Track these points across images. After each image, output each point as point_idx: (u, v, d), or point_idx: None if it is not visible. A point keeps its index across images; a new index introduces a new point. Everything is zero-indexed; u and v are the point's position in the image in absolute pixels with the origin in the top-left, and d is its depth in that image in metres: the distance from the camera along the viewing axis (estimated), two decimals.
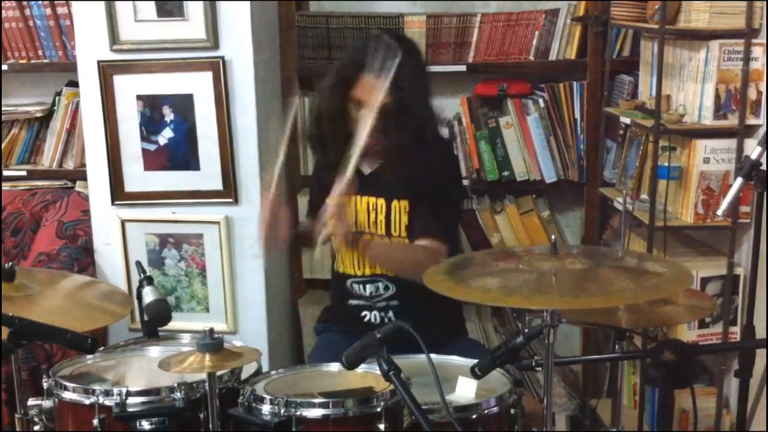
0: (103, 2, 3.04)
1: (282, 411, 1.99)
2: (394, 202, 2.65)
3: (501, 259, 2.21)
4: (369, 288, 2.68)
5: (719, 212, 2.29)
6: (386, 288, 2.67)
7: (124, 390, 2.07)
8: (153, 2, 3.04)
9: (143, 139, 3.14)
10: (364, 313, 2.68)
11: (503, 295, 1.99)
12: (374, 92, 2.53)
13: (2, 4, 3.54)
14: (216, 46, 3.05)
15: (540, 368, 2.05)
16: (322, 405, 2.01)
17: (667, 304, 2.34)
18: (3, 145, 3.67)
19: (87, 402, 2.08)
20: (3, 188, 3.60)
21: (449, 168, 2.80)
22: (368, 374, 2.12)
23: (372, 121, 2.49)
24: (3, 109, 3.69)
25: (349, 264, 2.69)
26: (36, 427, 2.15)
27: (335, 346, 2.20)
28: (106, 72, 3.09)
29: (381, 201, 2.66)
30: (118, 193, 3.18)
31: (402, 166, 2.61)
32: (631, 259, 2.34)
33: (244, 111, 3.10)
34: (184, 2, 3.03)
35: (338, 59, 3.47)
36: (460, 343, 2.66)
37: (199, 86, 3.08)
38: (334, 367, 2.25)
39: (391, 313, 2.65)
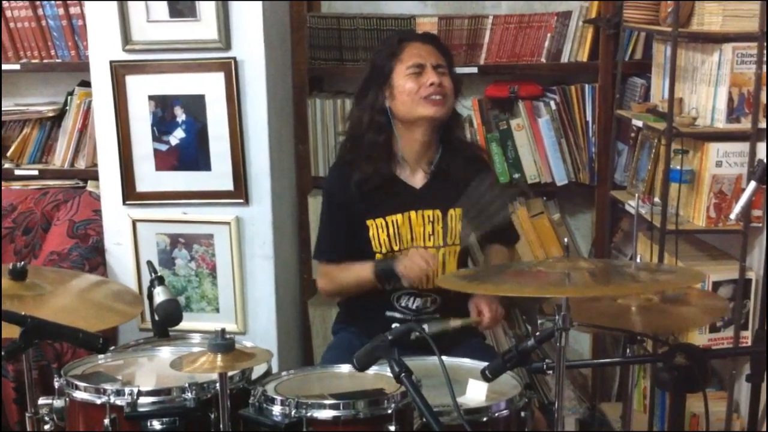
0: (115, 2, 3.04)
1: (293, 412, 1.99)
2: (450, 211, 2.66)
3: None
4: (418, 302, 2.66)
5: (732, 216, 2.29)
6: (434, 302, 2.67)
7: (135, 390, 2.07)
8: (165, 3, 3.04)
9: (155, 139, 3.15)
10: (395, 325, 2.61)
11: (516, 287, 2.05)
12: (431, 54, 2.65)
13: (16, 3, 3.55)
14: (228, 46, 3.05)
15: (551, 371, 2.04)
16: (332, 406, 2.01)
17: (680, 305, 2.33)
18: (15, 145, 3.68)
19: (98, 401, 2.08)
20: (15, 187, 3.62)
21: (488, 167, 2.90)
22: (379, 376, 2.12)
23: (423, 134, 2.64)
24: (15, 108, 3.71)
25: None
26: (46, 426, 2.15)
27: (351, 346, 2.19)
28: (118, 72, 3.10)
29: (437, 213, 2.66)
30: (129, 193, 3.19)
31: (456, 174, 2.66)
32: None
33: (256, 111, 3.10)
34: (196, 3, 3.03)
35: (349, 60, 3.49)
36: (475, 344, 2.65)
37: (210, 87, 3.08)
38: (345, 368, 2.25)
39: (425, 326, 2.64)
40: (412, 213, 2.65)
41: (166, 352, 2.38)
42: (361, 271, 2.64)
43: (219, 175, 3.14)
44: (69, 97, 3.66)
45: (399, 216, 2.65)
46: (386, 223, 2.65)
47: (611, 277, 2.16)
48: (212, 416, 2.09)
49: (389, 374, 1.91)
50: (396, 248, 2.65)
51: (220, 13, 3.02)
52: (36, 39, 3.60)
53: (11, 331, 1.94)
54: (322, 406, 2.01)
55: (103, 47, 3.12)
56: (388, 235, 2.65)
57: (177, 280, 3.23)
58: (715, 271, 2.93)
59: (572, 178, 3.48)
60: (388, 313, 2.67)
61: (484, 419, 2.10)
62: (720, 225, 2.91)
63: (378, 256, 2.66)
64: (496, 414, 2.11)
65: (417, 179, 2.70)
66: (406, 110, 2.63)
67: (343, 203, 2.70)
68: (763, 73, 2.79)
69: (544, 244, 3.50)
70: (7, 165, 3.67)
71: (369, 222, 2.65)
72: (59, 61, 3.62)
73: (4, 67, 3.58)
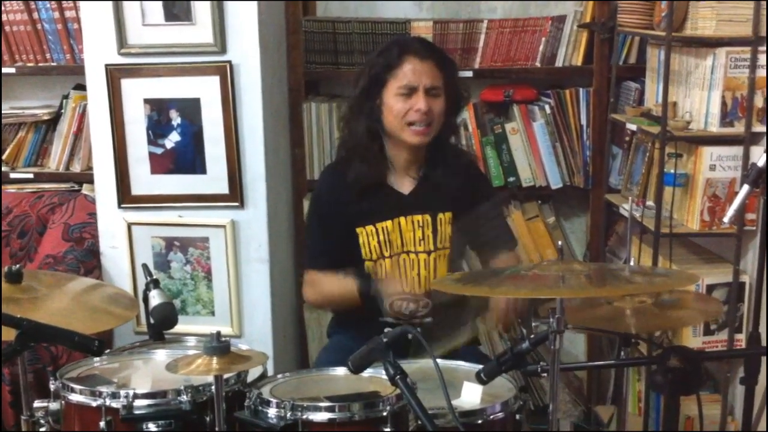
0: (110, 6, 3.05)
1: (288, 414, 1.99)
2: (440, 215, 2.66)
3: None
4: (410, 306, 2.62)
5: (725, 219, 2.30)
6: (425, 305, 2.63)
7: (131, 392, 2.07)
8: (161, 6, 3.05)
9: (150, 142, 3.15)
10: (388, 329, 2.62)
11: (511, 289, 2.09)
12: (427, 73, 2.58)
13: (11, 7, 3.55)
14: (223, 50, 3.06)
15: (545, 374, 2.05)
16: (328, 409, 2.01)
17: (674, 307, 2.33)
18: (10, 148, 3.68)
19: (94, 404, 2.08)
20: (10, 191, 3.61)
21: (480, 171, 2.90)
22: (374, 378, 2.12)
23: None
24: (11, 111, 3.70)
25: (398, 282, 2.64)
26: (42, 429, 2.14)
27: (346, 348, 2.18)
28: (114, 75, 3.10)
29: (427, 217, 2.65)
30: (124, 196, 3.19)
31: (444, 179, 2.64)
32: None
33: (251, 115, 3.10)
34: (192, 6, 3.03)
35: (344, 64, 3.49)
36: (471, 352, 2.65)
37: (206, 90, 3.08)
38: (340, 371, 2.25)
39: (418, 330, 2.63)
40: (402, 219, 2.64)
41: (161, 355, 2.38)
42: (346, 285, 2.62)
43: (214, 179, 3.14)
44: (64, 101, 3.66)
45: (389, 222, 2.64)
46: (376, 230, 2.64)
47: (606, 280, 2.17)
48: (208, 419, 2.09)
49: (384, 377, 1.92)
50: (386, 254, 2.64)
51: (215, 17, 3.02)
52: (31, 42, 3.60)
53: (7, 334, 1.94)
54: (318, 409, 2.01)
55: (98, 50, 3.12)
56: (379, 242, 2.64)
57: (172, 283, 3.23)
58: (709, 275, 2.94)
59: (567, 182, 3.49)
60: (381, 319, 2.65)
61: (479, 421, 2.10)
62: (714, 228, 2.92)
63: (368, 263, 2.64)
64: (491, 416, 2.11)
65: (405, 185, 2.68)
66: (391, 129, 2.62)
67: (333, 207, 2.68)
68: (756, 77, 2.80)
69: (539, 248, 3.52)
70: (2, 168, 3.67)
71: (359, 230, 2.64)
72: (54, 64, 3.62)
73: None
